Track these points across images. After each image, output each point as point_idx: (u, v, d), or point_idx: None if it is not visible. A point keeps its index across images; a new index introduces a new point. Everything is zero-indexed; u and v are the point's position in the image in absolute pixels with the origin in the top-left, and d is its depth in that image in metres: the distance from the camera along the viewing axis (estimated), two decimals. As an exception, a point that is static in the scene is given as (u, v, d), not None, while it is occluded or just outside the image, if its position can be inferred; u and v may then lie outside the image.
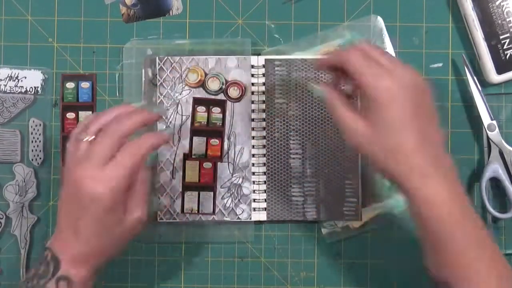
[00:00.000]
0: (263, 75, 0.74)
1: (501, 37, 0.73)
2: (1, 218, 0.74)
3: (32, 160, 0.74)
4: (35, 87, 0.75)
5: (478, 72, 0.75)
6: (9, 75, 0.75)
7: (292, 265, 0.75)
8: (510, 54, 0.73)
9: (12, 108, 0.75)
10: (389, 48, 0.74)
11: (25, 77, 0.75)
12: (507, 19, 0.73)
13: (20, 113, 0.75)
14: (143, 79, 0.74)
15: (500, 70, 0.73)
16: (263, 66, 0.74)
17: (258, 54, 0.74)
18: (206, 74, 0.74)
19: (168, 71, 0.74)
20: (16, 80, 0.74)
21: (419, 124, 0.58)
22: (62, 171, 0.68)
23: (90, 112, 0.75)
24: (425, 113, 0.59)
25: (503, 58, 0.73)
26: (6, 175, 0.74)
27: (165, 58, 0.74)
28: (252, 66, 0.74)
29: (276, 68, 0.74)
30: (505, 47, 0.73)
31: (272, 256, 0.75)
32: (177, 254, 0.75)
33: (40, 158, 0.74)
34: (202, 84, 0.74)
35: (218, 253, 0.75)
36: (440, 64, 0.75)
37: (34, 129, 0.74)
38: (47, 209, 0.75)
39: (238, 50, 0.74)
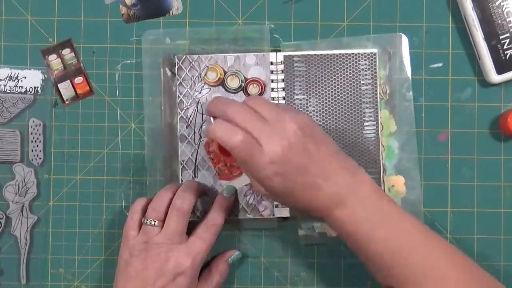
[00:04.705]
0: (282, 71, 0.74)
1: (501, 37, 0.73)
2: (1, 218, 0.74)
3: (32, 160, 0.74)
4: (35, 87, 0.75)
5: (478, 72, 0.75)
6: (9, 75, 0.75)
7: (292, 265, 0.75)
8: (510, 54, 0.73)
9: (12, 108, 0.75)
10: (407, 70, 0.74)
11: (25, 77, 0.75)
12: (507, 19, 0.73)
13: (20, 113, 0.75)
14: (162, 78, 0.74)
15: (500, 70, 0.73)
16: (282, 62, 0.74)
17: (278, 51, 0.74)
18: (225, 72, 0.74)
19: (187, 70, 0.74)
20: (16, 80, 0.74)
21: (313, 172, 0.62)
22: (125, 250, 0.68)
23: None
24: (315, 146, 0.62)
25: (503, 58, 0.73)
26: (6, 175, 0.74)
27: (184, 57, 0.74)
28: (271, 63, 0.74)
29: (295, 64, 0.74)
30: (505, 47, 0.73)
31: (272, 256, 0.75)
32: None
33: (40, 158, 0.74)
34: (221, 82, 0.74)
35: (218, 253, 0.75)
36: (440, 64, 0.75)
37: (34, 129, 0.74)
38: (47, 209, 0.75)
39: (257, 37, 0.74)
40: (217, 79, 0.74)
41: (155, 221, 0.68)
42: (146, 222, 0.68)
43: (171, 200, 0.69)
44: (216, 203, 0.71)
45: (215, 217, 0.70)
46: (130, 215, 0.69)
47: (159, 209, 0.68)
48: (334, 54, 0.74)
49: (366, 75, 0.74)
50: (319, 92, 0.74)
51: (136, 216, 0.69)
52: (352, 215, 0.62)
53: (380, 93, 0.74)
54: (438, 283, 0.61)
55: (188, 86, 0.74)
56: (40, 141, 0.75)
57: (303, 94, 0.74)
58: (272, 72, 0.74)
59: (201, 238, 0.68)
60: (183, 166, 0.74)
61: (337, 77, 0.74)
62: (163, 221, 0.68)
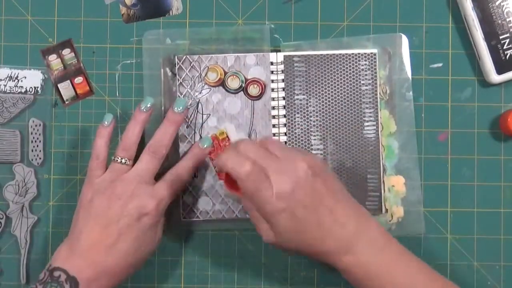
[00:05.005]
0: (282, 71, 0.74)
1: (501, 37, 0.73)
2: (1, 218, 0.74)
3: (32, 160, 0.74)
4: (35, 87, 0.75)
5: (478, 72, 0.75)
6: (9, 75, 0.75)
7: (292, 265, 0.75)
8: (510, 54, 0.73)
9: (12, 108, 0.75)
10: (407, 70, 0.74)
11: (25, 77, 0.75)
12: (507, 19, 0.73)
13: (20, 113, 0.75)
14: (162, 78, 0.74)
15: (500, 70, 0.73)
16: (282, 62, 0.74)
17: (278, 51, 0.74)
18: (225, 73, 0.74)
19: (187, 70, 0.74)
20: (16, 80, 0.74)
21: (321, 212, 0.61)
22: (90, 189, 0.67)
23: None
24: (325, 187, 0.62)
25: (503, 58, 0.73)
26: (6, 175, 0.74)
27: (184, 57, 0.74)
28: (271, 63, 0.74)
29: (295, 64, 0.74)
30: (505, 47, 0.73)
31: (272, 256, 0.75)
32: (177, 255, 0.75)
33: (40, 158, 0.74)
34: (222, 83, 0.74)
35: (218, 253, 0.75)
36: (440, 64, 0.75)
37: (34, 129, 0.74)
38: (47, 209, 0.75)
39: (257, 37, 0.74)
40: (217, 79, 0.74)
41: (126, 160, 0.67)
42: (117, 160, 0.67)
43: (139, 134, 0.68)
44: (190, 153, 0.71)
45: (186, 166, 0.70)
46: (95, 155, 0.68)
47: (129, 148, 0.68)
48: (334, 54, 0.74)
49: (366, 75, 0.74)
50: (319, 92, 0.74)
51: (102, 155, 0.68)
52: (361, 261, 0.61)
53: (380, 93, 0.74)
54: None
55: (189, 86, 0.74)
56: (40, 141, 0.75)
57: (303, 94, 0.74)
58: (272, 72, 0.74)
59: (168, 184, 0.67)
60: (183, 166, 0.74)
61: (337, 77, 0.74)
62: (133, 160, 0.68)
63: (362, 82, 0.74)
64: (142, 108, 0.69)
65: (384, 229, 0.63)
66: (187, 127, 0.74)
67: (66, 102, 0.75)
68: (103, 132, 0.69)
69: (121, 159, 0.67)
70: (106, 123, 0.69)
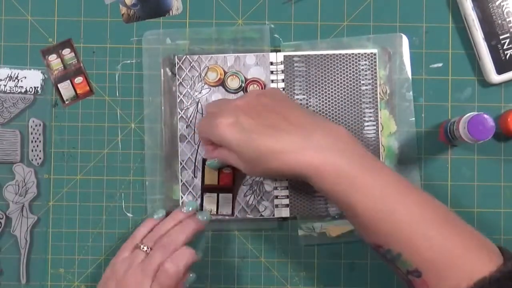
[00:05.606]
0: (282, 71, 0.74)
1: (501, 37, 0.73)
2: (1, 218, 0.74)
3: (32, 160, 0.74)
4: (35, 87, 0.75)
5: (478, 72, 0.75)
6: (9, 75, 0.75)
7: (292, 265, 0.75)
8: (510, 54, 0.73)
9: (12, 108, 0.75)
10: (407, 70, 0.74)
11: (25, 77, 0.75)
12: (507, 19, 0.73)
13: (20, 113, 0.75)
14: (162, 78, 0.74)
15: (500, 70, 0.73)
16: (282, 62, 0.74)
17: (278, 51, 0.74)
18: (225, 73, 0.74)
19: (187, 70, 0.74)
20: (16, 80, 0.74)
21: (272, 118, 0.61)
22: (110, 266, 0.67)
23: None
24: (275, 104, 0.63)
25: (503, 58, 0.73)
26: (6, 175, 0.74)
27: (184, 57, 0.74)
28: (271, 63, 0.74)
29: (295, 64, 0.74)
30: (505, 47, 0.73)
31: (272, 256, 0.75)
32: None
33: (40, 158, 0.74)
34: (221, 83, 0.74)
35: (218, 253, 0.75)
36: (440, 64, 0.75)
37: (34, 129, 0.74)
38: (47, 209, 0.75)
39: (257, 37, 0.74)
40: (217, 79, 0.74)
41: (149, 249, 0.66)
42: (140, 246, 0.66)
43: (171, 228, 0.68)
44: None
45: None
46: (132, 237, 0.68)
47: (156, 240, 0.67)
48: (334, 54, 0.74)
49: (366, 75, 0.74)
50: (319, 92, 0.74)
51: (136, 239, 0.68)
52: (329, 159, 0.58)
53: (380, 93, 0.74)
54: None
55: (188, 86, 0.74)
56: (40, 141, 0.75)
57: (303, 94, 0.74)
58: (272, 72, 0.74)
59: (168, 275, 0.65)
60: (183, 166, 0.74)
61: (337, 77, 0.74)
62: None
63: (362, 82, 0.74)
64: (183, 210, 0.70)
65: (355, 137, 0.62)
66: (186, 127, 0.74)
67: (66, 102, 0.75)
68: (149, 224, 0.69)
69: (144, 246, 0.66)
70: (156, 216, 0.70)
